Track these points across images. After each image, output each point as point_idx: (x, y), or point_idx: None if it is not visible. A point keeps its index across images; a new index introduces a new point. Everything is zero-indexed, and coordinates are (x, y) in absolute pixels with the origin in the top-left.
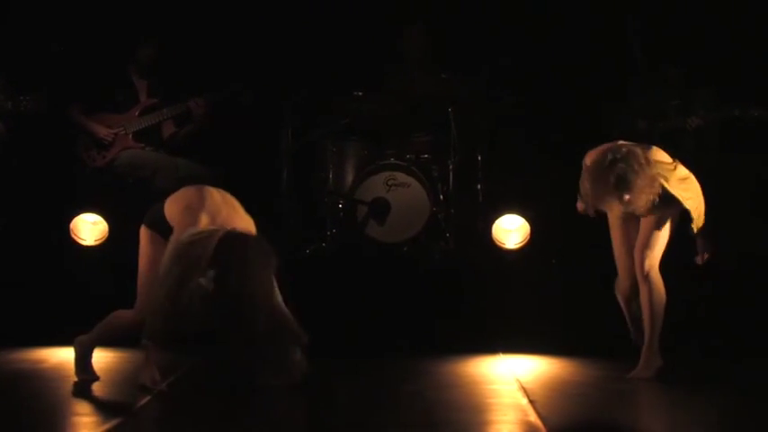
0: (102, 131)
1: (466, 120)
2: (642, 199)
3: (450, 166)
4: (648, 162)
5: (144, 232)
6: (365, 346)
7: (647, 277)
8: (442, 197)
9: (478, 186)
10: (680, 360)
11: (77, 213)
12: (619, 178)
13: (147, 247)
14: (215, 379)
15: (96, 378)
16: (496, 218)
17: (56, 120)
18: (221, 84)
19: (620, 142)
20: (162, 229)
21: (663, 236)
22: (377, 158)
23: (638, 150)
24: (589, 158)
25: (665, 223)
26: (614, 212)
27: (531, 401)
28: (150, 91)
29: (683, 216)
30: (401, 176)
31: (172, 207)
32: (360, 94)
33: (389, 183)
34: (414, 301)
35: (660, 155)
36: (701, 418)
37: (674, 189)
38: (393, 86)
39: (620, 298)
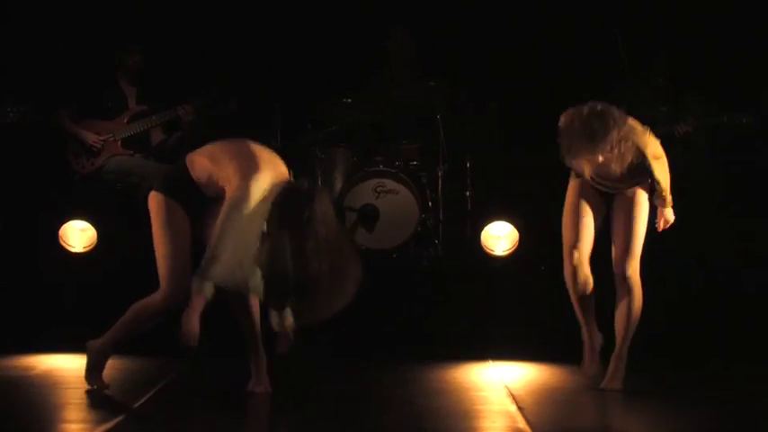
0: (91, 138)
1: (454, 126)
2: (614, 155)
3: (439, 173)
4: (623, 119)
5: (160, 201)
6: (354, 352)
7: (628, 283)
8: (430, 204)
9: (467, 193)
10: (667, 367)
11: (66, 220)
12: (592, 131)
13: (167, 217)
14: (204, 385)
15: (105, 387)
16: (485, 225)
17: (44, 127)
18: (209, 90)
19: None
20: (182, 196)
21: (641, 230)
22: (365, 165)
23: (614, 109)
24: (564, 116)
25: (641, 212)
26: (575, 186)
27: (519, 408)
28: (139, 98)
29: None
30: (390, 183)
31: (204, 163)
32: (348, 100)
33: (378, 189)
34: (402, 308)
35: (635, 122)
36: (691, 424)
37: (651, 161)
38: (381, 93)
39: (571, 288)
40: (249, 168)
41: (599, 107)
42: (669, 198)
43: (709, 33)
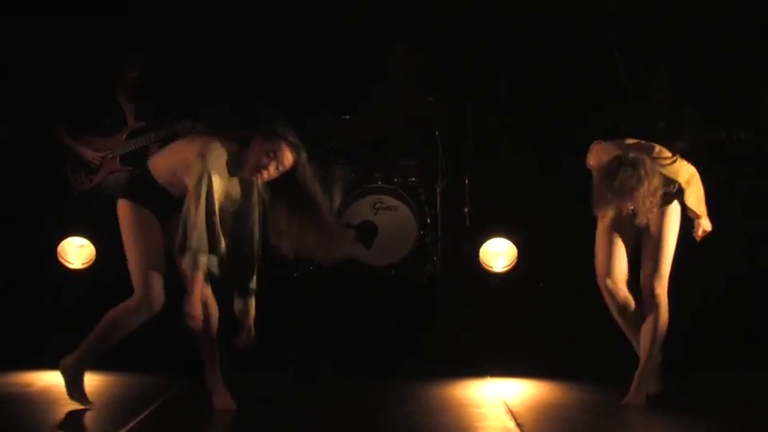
0: (90, 155)
1: (452, 142)
2: (645, 206)
3: (438, 190)
4: (653, 170)
5: (127, 207)
6: (352, 369)
7: (655, 301)
8: (429, 220)
9: (466, 210)
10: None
11: (65, 237)
12: (621, 185)
13: (136, 222)
14: (202, 402)
15: (90, 404)
16: (484, 241)
17: (43, 143)
18: (208, 107)
19: (628, 141)
20: (149, 200)
21: (670, 247)
22: (364, 182)
23: (646, 158)
24: (593, 157)
25: (671, 230)
26: (606, 217)
27: (518, 425)
28: (137, 114)
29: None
30: (388, 200)
31: (166, 161)
32: (347, 117)
33: (377, 206)
34: (401, 325)
35: (665, 152)
36: None
37: (684, 187)
38: (379, 109)
39: (615, 314)
40: (205, 146)
41: (630, 156)
42: (704, 210)
43: (708, 49)
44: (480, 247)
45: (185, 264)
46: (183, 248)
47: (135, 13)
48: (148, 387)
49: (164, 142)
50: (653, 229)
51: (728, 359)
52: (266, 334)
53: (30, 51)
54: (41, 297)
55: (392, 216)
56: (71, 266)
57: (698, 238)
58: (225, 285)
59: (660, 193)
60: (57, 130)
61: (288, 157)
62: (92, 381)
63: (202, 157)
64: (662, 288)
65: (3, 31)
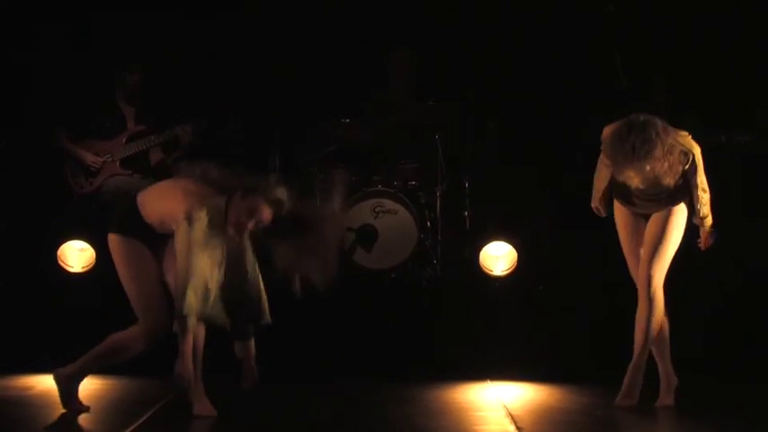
0: (90, 158)
1: (452, 146)
2: (663, 168)
3: (438, 193)
4: (666, 131)
5: (117, 241)
6: (352, 372)
7: (650, 294)
8: (429, 224)
9: (466, 213)
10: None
11: (65, 240)
12: (634, 148)
13: (128, 255)
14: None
15: (85, 409)
16: (484, 244)
17: (43, 147)
18: (208, 110)
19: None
20: (138, 233)
21: (672, 243)
22: (364, 185)
23: (657, 120)
24: (608, 130)
25: (675, 225)
26: (623, 214)
27: (518, 428)
28: (137, 118)
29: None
30: (388, 203)
31: (154, 207)
32: (347, 120)
33: (377, 210)
34: (401, 328)
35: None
36: None
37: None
38: (380, 113)
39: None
40: (192, 206)
41: (641, 119)
42: (709, 215)
43: (707, 51)
44: (480, 250)
45: (175, 326)
46: (177, 313)
47: (135, 16)
48: (148, 390)
49: (164, 146)
50: (657, 223)
51: (731, 367)
52: (266, 337)
53: (30, 55)
54: (41, 300)
55: (392, 219)
56: (71, 270)
57: (703, 247)
58: None
59: (677, 151)
60: (57, 134)
61: (267, 214)
62: (92, 384)
63: (189, 220)
64: (657, 281)
65: (4, 34)
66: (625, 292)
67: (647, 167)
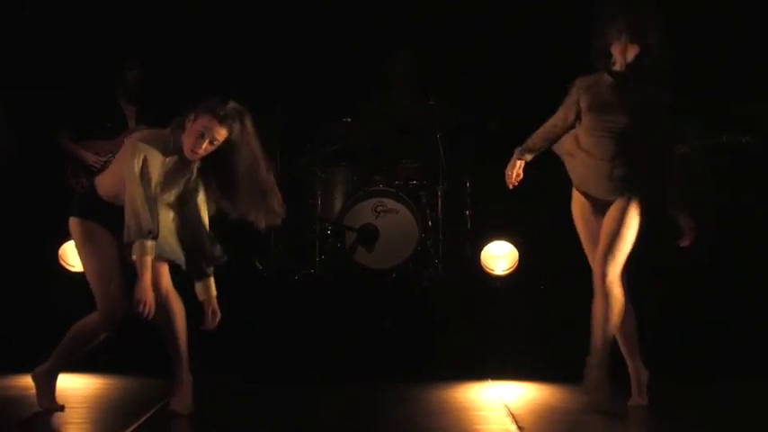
0: (91, 158)
1: (454, 145)
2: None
3: (439, 193)
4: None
5: (77, 225)
6: (353, 372)
7: (606, 290)
8: (430, 223)
9: (467, 212)
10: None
11: (66, 240)
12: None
13: (87, 239)
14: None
15: (60, 408)
16: (485, 244)
17: (44, 147)
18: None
19: None
20: (97, 215)
21: (627, 241)
22: (365, 185)
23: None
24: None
25: (631, 224)
26: (580, 206)
27: (519, 428)
28: (138, 117)
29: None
30: (390, 203)
31: (107, 176)
32: (348, 120)
33: (378, 209)
34: (402, 328)
35: None
36: None
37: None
38: (381, 112)
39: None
40: (135, 140)
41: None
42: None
43: (709, 51)
44: (482, 249)
45: (134, 252)
46: (130, 237)
47: (136, 14)
48: (149, 390)
49: None
50: (612, 216)
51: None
52: (267, 337)
53: (30, 54)
54: (43, 300)
55: (393, 219)
56: (72, 269)
57: (688, 243)
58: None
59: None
60: (58, 134)
61: (220, 132)
62: (92, 384)
63: (134, 148)
64: (613, 275)
65: (4, 33)
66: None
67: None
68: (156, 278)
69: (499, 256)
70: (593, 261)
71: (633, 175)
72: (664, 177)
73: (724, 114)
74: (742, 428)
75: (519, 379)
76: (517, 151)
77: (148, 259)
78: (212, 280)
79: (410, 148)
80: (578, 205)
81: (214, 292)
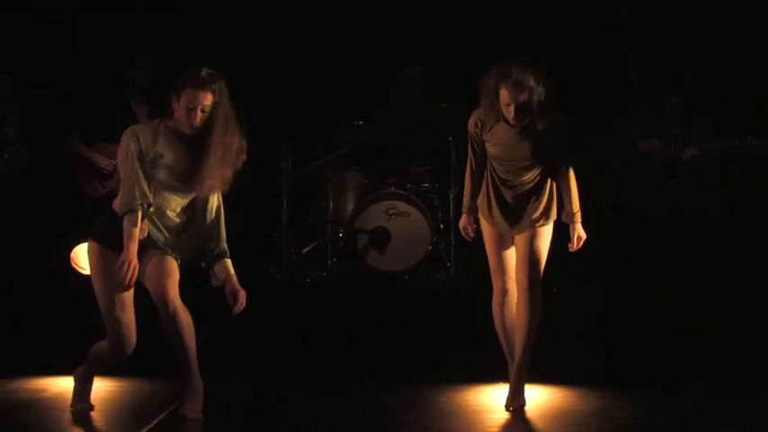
0: (103, 161)
1: (465, 148)
2: (536, 108)
3: (451, 195)
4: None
5: (95, 250)
6: (365, 374)
7: (529, 295)
8: (442, 226)
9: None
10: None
11: (78, 243)
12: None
13: (99, 265)
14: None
15: (90, 407)
16: None
17: (56, 150)
18: None
19: None
20: (116, 243)
21: (543, 258)
22: (377, 187)
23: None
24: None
25: (543, 247)
26: (489, 231)
27: None
28: (150, 118)
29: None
30: (401, 205)
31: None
32: (360, 123)
33: (390, 212)
34: (414, 331)
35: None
36: None
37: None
38: (393, 116)
39: (498, 321)
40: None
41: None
42: (578, 213)
43: (722, 55)
44: None
45: (124, 223)
46: (121, 210)
47: (147, 15)
48: (161, 393)
49: None
50: (525, 247)
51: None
52: (278, 339)
53: (41, 56)
54: (54, 303)
55: (405, 222)
56: (84, 272)
57: (573, 248)
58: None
59: (547, 120)
60: (70, 137)
61: (206, 97)
62: (105, 386)
63: (125, 135)
64: (536, 285)
65: (13, 35)
66: (637, 295)
67: (524, 94)
68: (164, 291)
69: None
70: (506, 273)
71: (537, 209)
72: (561, 194)
73: (737, 119)
74: None
75: (531, 382)
76: (463, 210)
77: (135, 231)
78: (229, 261)
79: (422, 150)
80: (487, 230)
81: (232, 270)
